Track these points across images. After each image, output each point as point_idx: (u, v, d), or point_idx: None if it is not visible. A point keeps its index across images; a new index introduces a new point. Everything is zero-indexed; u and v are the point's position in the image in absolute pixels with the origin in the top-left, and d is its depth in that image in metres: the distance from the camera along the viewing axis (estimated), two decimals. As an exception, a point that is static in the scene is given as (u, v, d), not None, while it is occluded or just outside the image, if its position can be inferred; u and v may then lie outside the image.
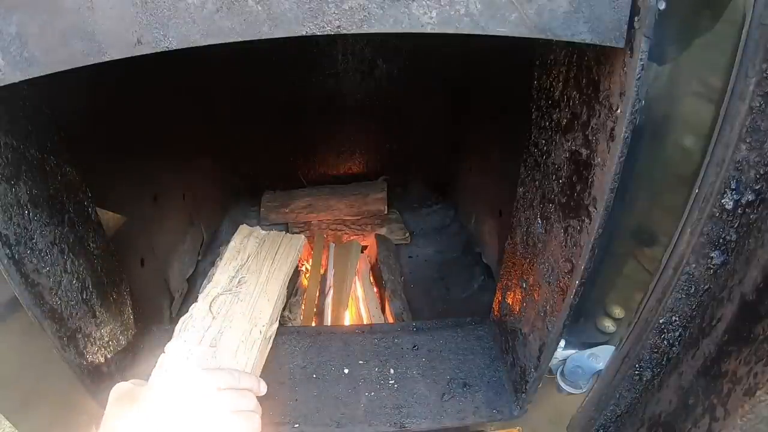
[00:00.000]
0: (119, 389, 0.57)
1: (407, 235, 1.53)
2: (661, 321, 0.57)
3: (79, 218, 0.69)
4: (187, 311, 0.83)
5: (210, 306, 0.84)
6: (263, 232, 1.09)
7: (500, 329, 0.84)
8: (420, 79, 1.41)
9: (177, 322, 0.80)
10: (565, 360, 0.70)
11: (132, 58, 0.41)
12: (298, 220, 1.53)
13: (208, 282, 0.92)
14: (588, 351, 0.69)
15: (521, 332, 0.74)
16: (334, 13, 0.40)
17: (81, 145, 0.71)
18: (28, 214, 0.58)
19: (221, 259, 0.99)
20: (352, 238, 1.51)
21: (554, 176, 0.61)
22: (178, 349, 0.75)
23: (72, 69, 0.41)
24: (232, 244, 1.02)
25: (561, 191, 0.60)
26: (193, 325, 0.80)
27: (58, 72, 0.41)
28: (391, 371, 0.82)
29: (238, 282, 0.91)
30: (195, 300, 0.86)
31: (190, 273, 1.25)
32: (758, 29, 0.42)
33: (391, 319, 1.16)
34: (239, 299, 0.86)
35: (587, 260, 0.54)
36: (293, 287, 1.17)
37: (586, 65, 0.51)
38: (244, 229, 1.09)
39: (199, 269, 1.29)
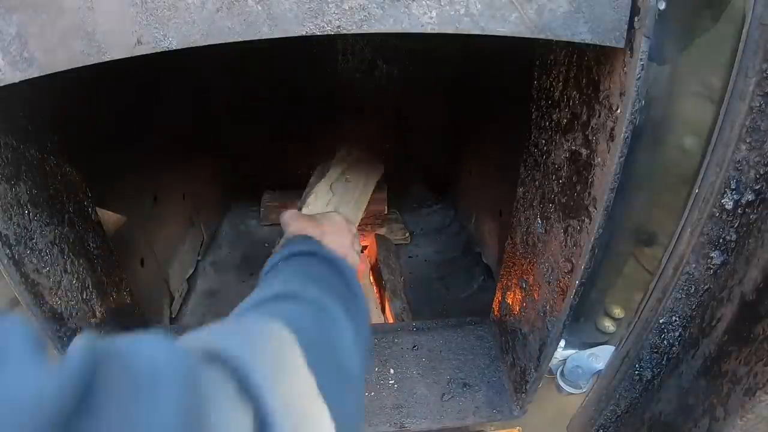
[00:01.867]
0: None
1: (407, 235, 1.53)
2: (661, 321, 0.57)
3: (79, 218, 0.69)
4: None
5: (330, 186, 1.00)
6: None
7: (500, 329, 0.84)
8: (420, 79, 1.41)
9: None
10: (565, 360, 0.70)
11: (132, 57, 0.41)
12: (299, 220, 1.53)
13: (311, 188, 1.04)
14: (588, 351, 0.69)
15: (521, 332, 0.74)
16: (334, 13, 0.40)
17: (81, 145, 0.71)
18: (28, 214, 0.58)
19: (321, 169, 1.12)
20: (352, 238, 1.51)
21: (554, 176, 0.61)
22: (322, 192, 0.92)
23: (72, 69, 0.41)
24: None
25: (561, 191, 0.60)
26: (317, 198, 0.94)
27: (58, 72, 0.41)
28: (391, 371, 0.82)
29: (346, 179, 1.05)
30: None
31: (189, 273, 1.25)
32: (758, 29, 0.42)
33: (391, 319, 1.16)
34: (348, 190, 1.01)
35: (587, 260, 0.54)
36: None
37: (586, 65, 0.51)
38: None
39: (199, 269, 1.29)
